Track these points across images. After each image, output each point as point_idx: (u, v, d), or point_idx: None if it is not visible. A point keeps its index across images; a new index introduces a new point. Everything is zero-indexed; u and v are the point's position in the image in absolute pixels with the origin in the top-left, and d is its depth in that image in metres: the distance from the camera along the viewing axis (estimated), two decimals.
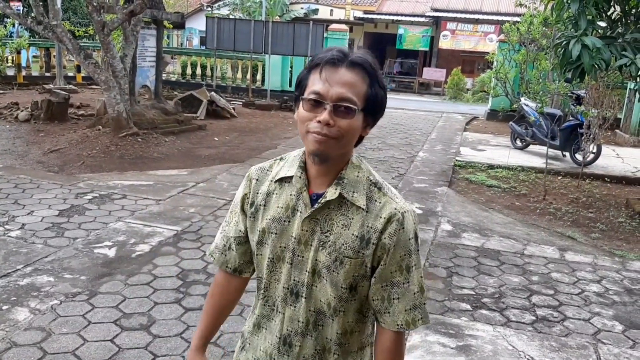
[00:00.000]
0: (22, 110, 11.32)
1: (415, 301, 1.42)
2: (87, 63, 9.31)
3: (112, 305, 3.84)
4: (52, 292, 3.97)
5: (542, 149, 9.48)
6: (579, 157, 9.42)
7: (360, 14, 27.64)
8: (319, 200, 1.39)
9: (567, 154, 10.05)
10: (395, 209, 1.38)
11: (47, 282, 4.14)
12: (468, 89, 23.47)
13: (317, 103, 1.31)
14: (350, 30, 21.70)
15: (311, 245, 1.40)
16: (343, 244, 1.37)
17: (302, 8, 27.93)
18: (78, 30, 19.35)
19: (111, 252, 4.77)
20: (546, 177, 8.31)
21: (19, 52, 16.48)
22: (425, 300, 1.45)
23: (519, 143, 11.44)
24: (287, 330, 1.46)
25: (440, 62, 27.37)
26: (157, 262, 4.61)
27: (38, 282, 4.11)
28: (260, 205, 1.48)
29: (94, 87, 16.54)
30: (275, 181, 1.47)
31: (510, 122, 11.73)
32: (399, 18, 27.04)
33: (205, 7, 31.09)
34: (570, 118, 10.05)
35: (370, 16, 27.60)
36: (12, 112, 11.42)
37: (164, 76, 15.04)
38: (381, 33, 28.48)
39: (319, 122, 1.30)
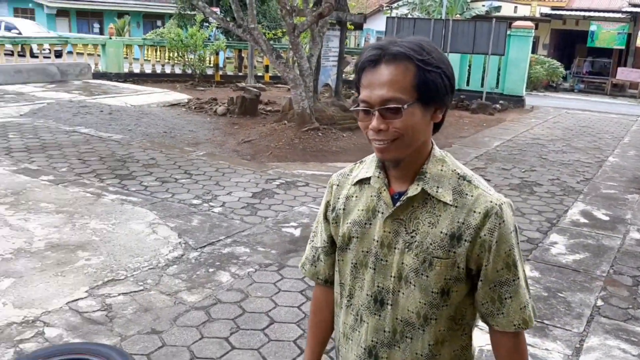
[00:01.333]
0: (220, 105, 12.65)
1: (526, 296, 1.33)
2: (278, 62, 10.16)
3: (299, 277, 4.27)
4: (248, 261, 4.53)
5: None
6: None
7: (547, 10, 26.10)
8: (401, 198, 1.31)
9: None
10: (491, 202, 1.28)
11: (244, 252, 4.71)
12: None
13: (366, 111, 1.26)
14: (536, 27, 20.63)
15: (395, 247, 1.32)
16: (431, 244, 1.28)
17: (483, 5, 27.17)
18: (267, 33, 20.98)
19: (296, 232, 5.25)
20: None
21: (217, 54, 18.35)
22: (530, 294, 1.36)
23: None
24: (372, 341, 1.38)
25: (637, 61, 24.79)
26: None
27: (237, 252, 4.71)
28: (340, 209, 1.42)
29: (279, 85, 17.84)
30: (355, 184, 1.41)
31: None
32: (592, 14, 25.02)
33: (383, 8, 31.69)
34: None
35: (558, 12, 25.92)
36: (211, 107, 12.83)
37: (343, 75, 15.73)
38: (570, 30, 26.59)
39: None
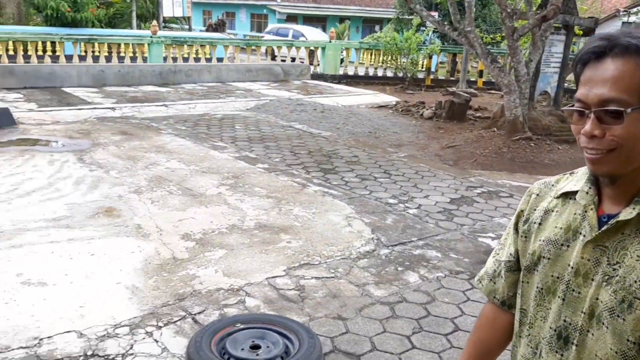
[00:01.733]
0: (427, 109, 12.63)
1: None
2: (492, 67, 9.79)
3: None
4: (438, 266, 4.45)
5: None
6: None
7: None
8: (609, 222, 1.10)
9: None
10: None
11: (435, 256, 4.64)
12: None
13: (581, 112, 1.08)
14: None
15: (592, 279, 1.12)
16: (635, 281, 1.06)
17: None
18: (485, 37, 20.37)
19: (493, 243, 5.00)
20: None
21: (430, 57, 18.34)
22: None
23: None
24: None
25: None
26: None
27: (427, 255, 4.66)
28: (534, 223, 1.26)
29: (492, 92, 17.21)
30: (558, 196, 1.23)
31: None
32: None
33: (620, 13, 28.65)
34: None
35: None
36: (418, 110, 12.87)
37: (566, 84, 14.58)
38: None
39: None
